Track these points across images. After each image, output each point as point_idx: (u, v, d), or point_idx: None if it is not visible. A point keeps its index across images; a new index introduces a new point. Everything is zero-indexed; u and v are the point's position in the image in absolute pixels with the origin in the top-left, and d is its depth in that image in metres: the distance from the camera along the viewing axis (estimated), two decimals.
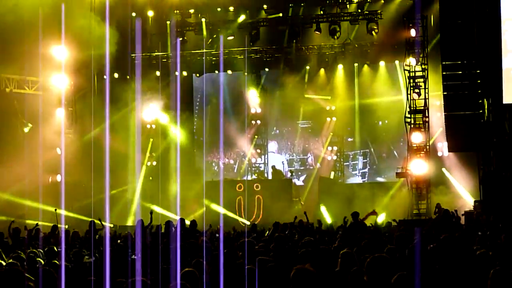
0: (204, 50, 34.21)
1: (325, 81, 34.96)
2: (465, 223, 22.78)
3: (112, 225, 29.01)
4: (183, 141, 34.79)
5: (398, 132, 32.35)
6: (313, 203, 32.06)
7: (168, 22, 34.12)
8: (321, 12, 32.10)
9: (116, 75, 33.98)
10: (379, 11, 31.52)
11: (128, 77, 34.24)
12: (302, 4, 32.84)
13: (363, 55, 33.34)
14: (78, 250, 13.25)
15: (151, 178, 35.17)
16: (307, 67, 35.05)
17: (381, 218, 24.17)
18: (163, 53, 34.83)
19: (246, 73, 35.30)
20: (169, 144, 34.91)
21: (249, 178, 36.37)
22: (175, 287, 7.09)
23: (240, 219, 30.13)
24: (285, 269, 8.16)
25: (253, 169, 37.70)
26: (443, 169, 31.30)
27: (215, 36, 33.56)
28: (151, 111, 34.98)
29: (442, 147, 31.55)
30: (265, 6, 33.33)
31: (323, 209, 30.03)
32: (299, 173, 37.33)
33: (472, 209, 25.66)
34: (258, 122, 37.38)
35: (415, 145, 28.66)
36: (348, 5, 32.22)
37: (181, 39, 33.75)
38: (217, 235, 20.86)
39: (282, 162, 37.14)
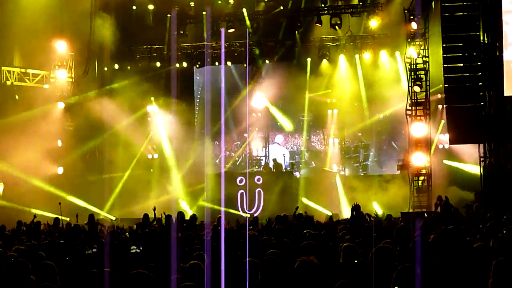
0: (205, 43, 34.21)
1: (326, 73, 34.88)
2: (465, 215, 22.80)
3: (114, 218, 29.05)
4: (183, 133, 34.81)
5: (399, 124, 32.33)
6: (316, 195, 31.98)
7: (168, 15, 34.06)
8: (322, 5, 32.01)
9: (116, 66, 34.00)
10: (380, 3, 31.45)
11: (129, 67, 34.32)
12: None
13: (364, 47, 33.24)
14: (80, 243, 13.28)
15: (152, 170, 35.24)
16: (308, 59, 35.00)
17: (380, 211, 24.19)
18: (162, 45, 34.82)
19: (246, 65, 35.29)
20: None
21: (251, 171, 36.35)
22: (175, 280, 7.11)
23: (241, 213, 30.09)
24: (288, 261, 8.18)
25: (254, 161, 37.68)
26: (444, 161, 31.32)
27: (215, 29, 33.51)
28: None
29: (444, 139, 31.59)
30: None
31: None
32: (300, 165, 37.32)
33: (474, 201, 25.70)
34: (259, 114, 37.37)
35: (415, 138, 28.65)
36: None
37: (181, 32, 33.73)
38: (219, 228, 20.86)
39: (283, 154, 37.11)
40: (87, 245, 13.01)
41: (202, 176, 34.33)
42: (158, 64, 34.69)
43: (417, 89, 28.49)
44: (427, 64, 28.60)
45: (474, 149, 28.32)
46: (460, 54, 26.61)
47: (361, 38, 33.03)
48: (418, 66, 28.68)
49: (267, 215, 24.60)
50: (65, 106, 31.22)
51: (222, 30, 33.10)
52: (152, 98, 34.90)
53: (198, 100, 38.02)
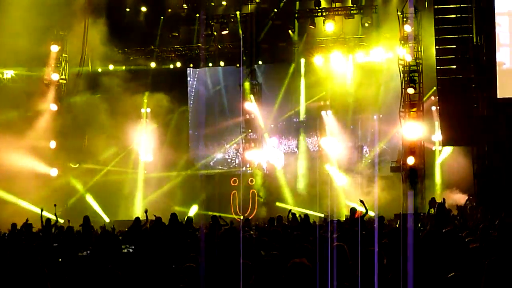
0: (199, 44, 34.25)
1: (320, 75, 34.87)
2: (458, 216, 22.82)
3: (108, 221, 28.94)
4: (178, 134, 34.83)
5: (393, 126, 32.36)
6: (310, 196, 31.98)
7: (162, 18, 34.09)
8: (316, 8, 31.98)
9: (111, 67, 34.00)
10: (374, 5, 31.48)
11: (124, 68, 34.36)
12: None
13: (358, 48, 33.27)
14: (73, 245, 13.27)
15: (146, 171, 35.23)
16: (302, 60, 35.00)
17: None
18: (156, 47, 34.83)
19: (240, 66, 35.34)
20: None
21: (245, 172, 36.34)
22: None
23: (234, 216, 30.05)
24: (280, 262, 8.18)
25: (247, 163, 37.64)
26: (437, 163, 31.37)
27: (209, 31, 33.55)
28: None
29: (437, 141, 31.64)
30: (257, 0, 33.29)
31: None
32: (296, 167, 37.26)
33: (467, 203, 25.72)
34: (253, 116, 37.38)
35: (409, 139, 28.70)
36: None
37: (176, 34, 33.74)
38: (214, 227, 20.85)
39: (277, 157, 37.12)
40: (80, 247, 13.01)
41: (196, 177, 34.33)
42: (152, 65, 34.71)
43: (410, 90, 28.55)
44: (420, 66, 28.69)
45: (467, 151, 28.40)
46: (453, 56, 26.66)
47: (354, 40, 33.05)
48: (412, 68, 28.76)
49: (259, 217, 24.64)
50: (58, 108, 31.19)
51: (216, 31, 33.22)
52: (145, 100, 34.87)
53: (192, 102, 38.01)
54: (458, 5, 26.48)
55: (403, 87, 28.84)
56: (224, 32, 33.48)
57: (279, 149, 38.06)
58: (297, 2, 33.02)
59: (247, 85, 36.08)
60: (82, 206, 29.74)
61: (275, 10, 33.17)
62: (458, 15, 26.54)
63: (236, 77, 37.06)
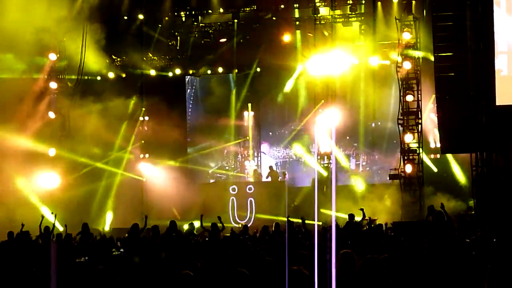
0: (196, 52, 34.28)
1: (318, 81, 34.77)
2: (457, 224, 22.75)
3: (108, 230, 28.81)
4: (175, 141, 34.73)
5: (391, 134, 32.32)
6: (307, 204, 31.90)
7: (159, 26, 34.12)
8: (315, 16, 31.92)
9: (111, 75, 33.99)
10: (373, 13, 31.46)
11: (124, 75, 34.39)
12: (295, 5, 32.77)
13: (355, 55, 33.23)
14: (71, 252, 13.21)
15: (145, 179, 35.11)
16: (300, 67, 34.93)
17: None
18: (154, 54, 34.86)
19: (237, 73, 35.40)
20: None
21: (243, 180, 36.29)
22: None
23: (233, 223, 29.93)
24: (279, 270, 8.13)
25: (246, 171, 37.59)
26: (436, 170, 31.33)
27: (206, 39, 33.58)
28: None
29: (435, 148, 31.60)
30: (254, 7, 33.28)
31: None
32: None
33: (465, 211, 25.72)
34: (250, 123, 37.38)
35: (407, 147, 28.70)
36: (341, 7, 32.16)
37: (174, 42, 33.77)
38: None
39: (276, 164, 37.09)
40: (78, 254, 12.95)
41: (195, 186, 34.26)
42: (152, 72, 34.70)
43: (409, 98, 28.56)
44: (418, 73, 28.71)
45: (466, 158, 28.36)
46: (452, 64, 26.65)
47: (353, 47, 33.00)
48: (410, 75, 28.78)
49: (258, 225, 24.56)
50: (56, 116, 31.15)
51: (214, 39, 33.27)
52: (143, 108, 34.83)
53: (190, 110, 38.00)
54: (457, 13, 26.48)
55: (401, 94, 28.86)
56: (221, 40, 33.51)
57: (276, 157, 38.01)
58: (296, 10, 32.99)
59: (244, 92, 36.14)
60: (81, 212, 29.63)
61: (274, 18, 33.15)
62: (456, 23, 26.53)
63: (233, 85, 37.13)
